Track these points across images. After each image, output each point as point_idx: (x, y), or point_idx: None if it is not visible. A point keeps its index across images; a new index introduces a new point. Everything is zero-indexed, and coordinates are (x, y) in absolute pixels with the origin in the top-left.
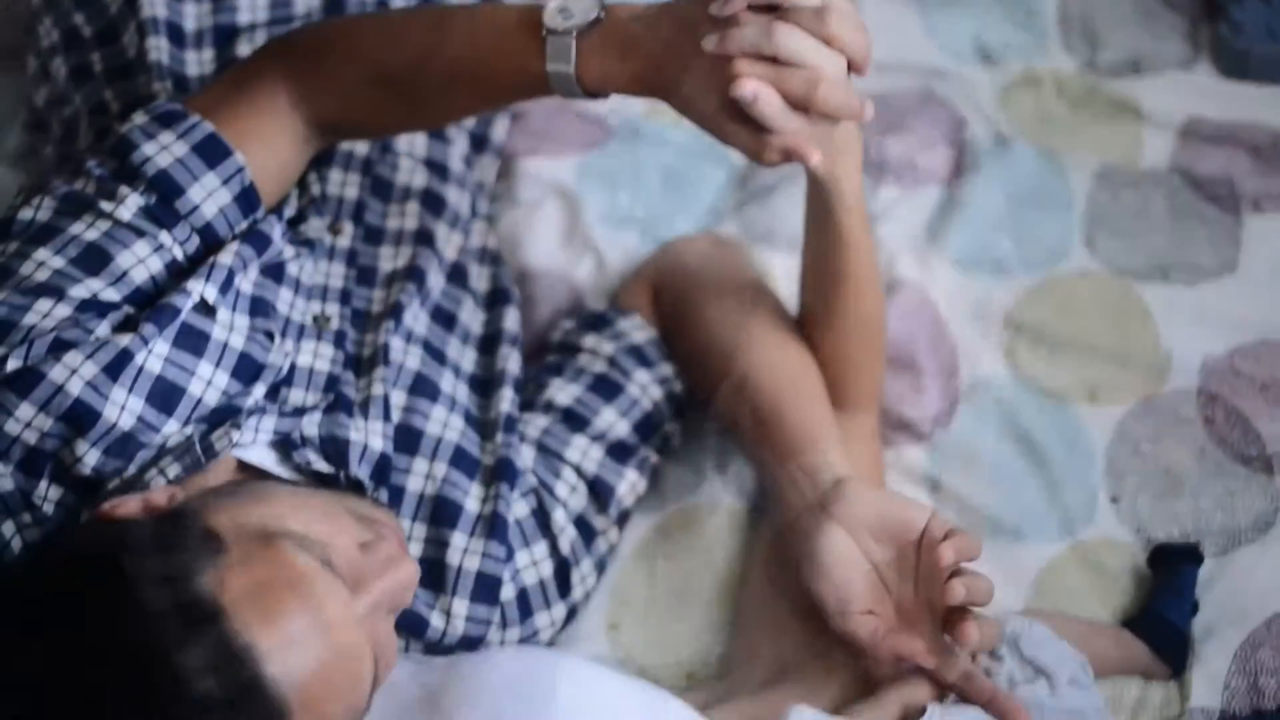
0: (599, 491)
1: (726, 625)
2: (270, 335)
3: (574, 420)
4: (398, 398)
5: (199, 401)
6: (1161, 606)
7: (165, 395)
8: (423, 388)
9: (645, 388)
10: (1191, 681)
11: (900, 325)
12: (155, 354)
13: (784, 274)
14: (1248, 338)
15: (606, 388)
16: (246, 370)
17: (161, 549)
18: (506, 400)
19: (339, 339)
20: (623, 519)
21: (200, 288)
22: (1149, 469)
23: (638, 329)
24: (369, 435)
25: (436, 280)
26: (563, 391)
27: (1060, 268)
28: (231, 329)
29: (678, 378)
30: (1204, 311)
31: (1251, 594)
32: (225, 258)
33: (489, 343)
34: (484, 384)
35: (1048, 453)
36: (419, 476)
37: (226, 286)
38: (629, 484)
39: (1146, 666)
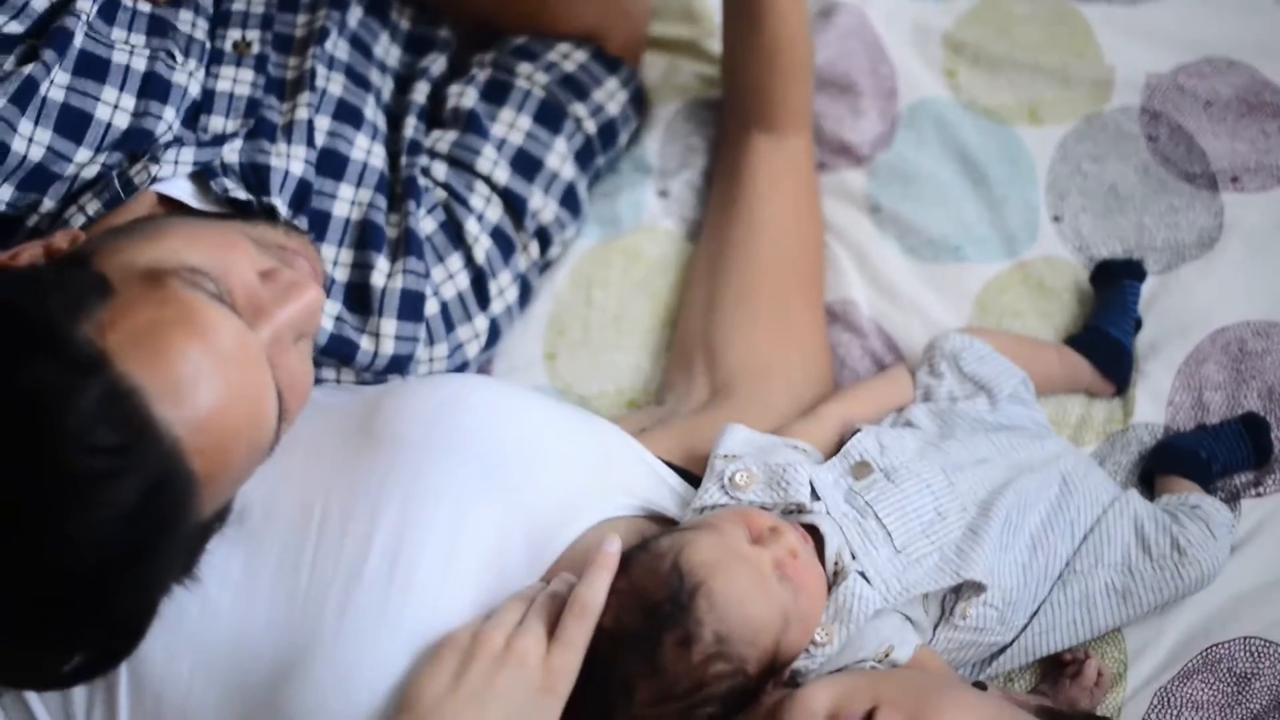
0: (513, 204)
1: (665, 352)
2: (172, 55)
3: (477, 127)
4: (322, 123)
5: (108, 126)
6: (1104, 323)
7: (73, 123)
8: (347, 114)
9: (581, 121)
10: (1135, 398)
11: (838, 48)
12: (58, 84)
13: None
14: (1192, 55)
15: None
16: (153, 91)
17: (52, 295)
18: (410, 128)
19: (260, 63)
20: (542, 236)
21: (89, 7)
22: (1091, 187)
23: (567, 57)
24: (290, 161)
25: (356, 10)
26: (466, 97)
27: None
28: (131, 51)
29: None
30: (1148, 29)
31: (1195, 310)
32: None
33: (407, 82)
34: (395, 116)
35: (989, 173)
36: (345, 202)
37: (114, 5)
38: (540, 199)
39: (1090, 383)
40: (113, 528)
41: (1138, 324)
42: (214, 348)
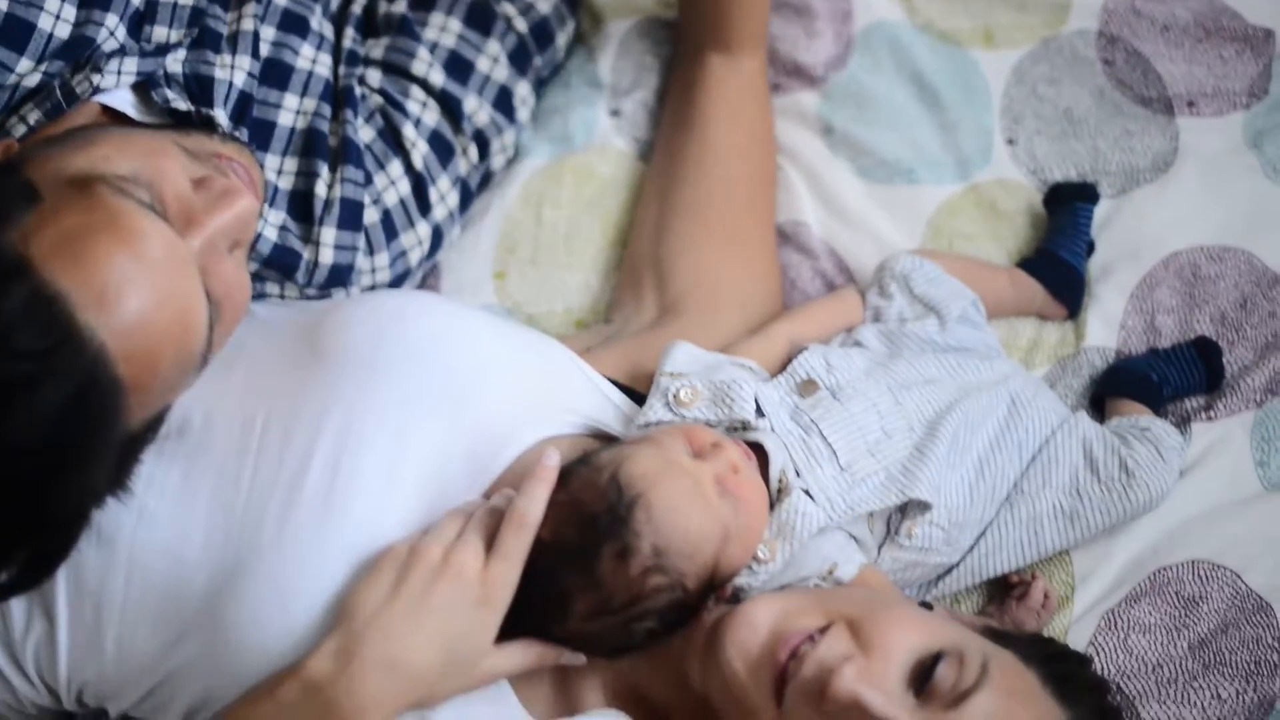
0: (450, 106)
1: (615, 272)
2: None
3: (409, 31)
4: (267, 33)
5: (50, 36)
6: (1057, 246)
7: (14, 32)
8: (292, 23)
9: (512, 20)
10: (1087, 321)
11: None
12: None
13: None
14: None
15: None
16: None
17: None
18: (349, 39)
19: None
20: (480, 140)
21: None
22: (1046, 111)
23: None
24: (234, 72)
25: None
26: (397, 3)
27: None
28: None
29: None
30: None
31: (1148, 234)
32: None
33: None
34: (340, 27)
35: (943, 96)
36: (289, 112)
37: None
38: (475, 102)
39: (1042, 306)
40: (38, 432)
41: (1090, 247)
42: (141, 254)
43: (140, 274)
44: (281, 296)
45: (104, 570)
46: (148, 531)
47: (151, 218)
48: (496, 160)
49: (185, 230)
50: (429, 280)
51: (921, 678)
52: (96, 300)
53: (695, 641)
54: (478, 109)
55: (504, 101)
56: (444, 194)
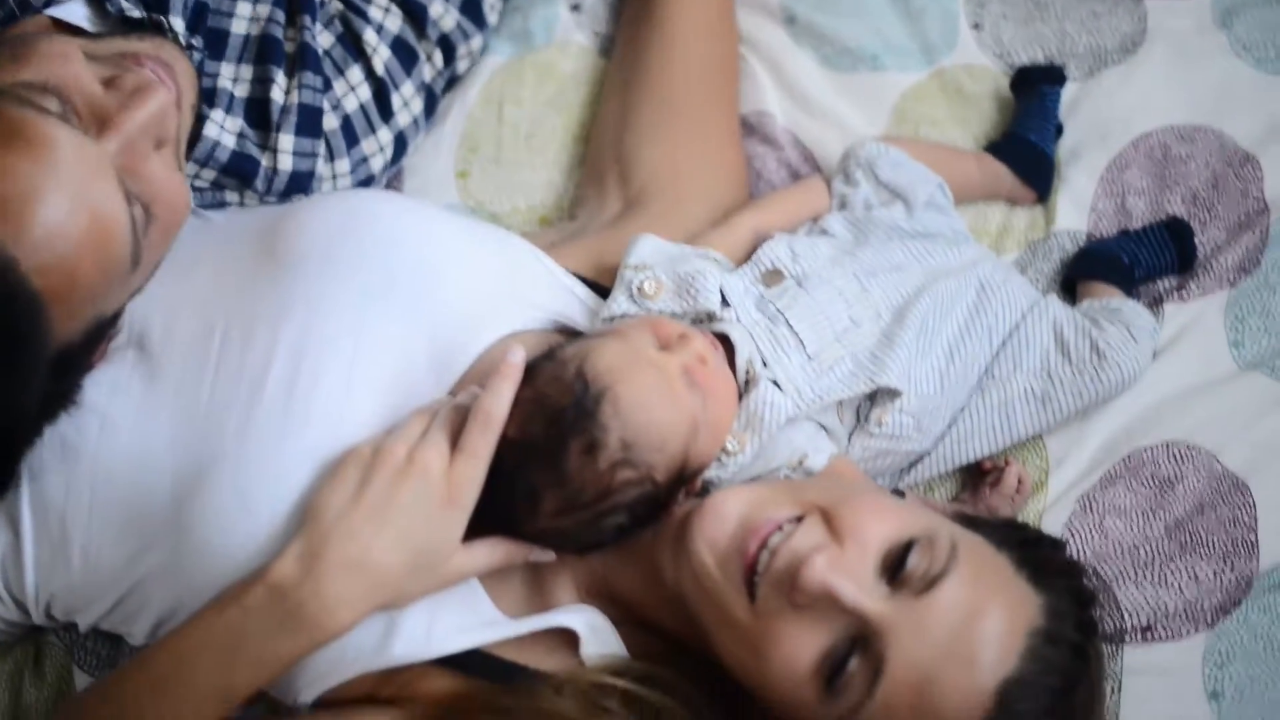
0: (413, 12)
1: (579, 169)
2: None
3: None
4: None
5: None
6: (1025, 130)
7: None
8: None
9: None
10: (1057, 205)
11: None
12: None
13: None
14: None
15: None
16: None
17: None
18: None
19: None
20: (445, 46)
21: None
22: None
23: None
24: None
25: None
26: None
27: None
28: None
29: None
30: None
31: (1117, 115)
32: None
33: None
34: None
35: None
36: (242, 19)
37: None
38: (440, 6)
39: (1011, 191)
40: None
41: (1059, 130)
42: (46, 163)
43: (47, 184)
44: (242, 205)
45: (68, 482)
46: (111, 441)
47: (56, 124)
48: (462, 65)
49: (100, 133)
50: (393, 184)
51: (894, 566)
52: (1, 215)
53: (666, 536)
54: (443, 14)
55: (470, 5)
56: (407, 100)
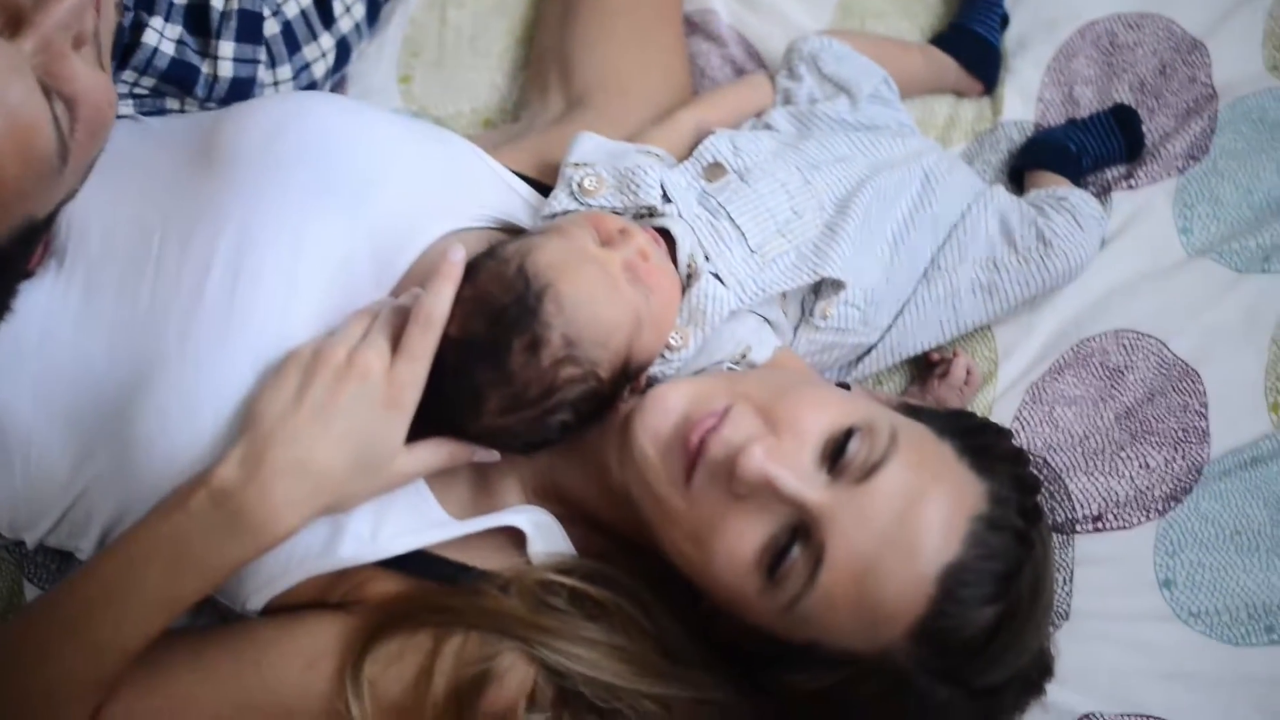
0: None
1: (522, 72)
2: None
3: None
4: None
5: None
6: (970, 21)
7: None
8: None
9: None
10: (1004, 96)
11: None
12: None
13: None
14: None
15: None
16: None
17: None
18: None
19: None
20: None
21: None
22: None
23: None
24: None
25: None
26: None
27: None
28: None
29: None
30: None
31: (1064, 3)
32: None
33: None
34: None
35: None
36: None
37: None
38: None
39: (957, 82)
40: None
41: (1004, 21)
42: None
43: None
44: (183, 112)
45: (8, 396)
46: (51, 350)
47: None
48: None
49: (16, 32)
50: (337, 90)
51: (833, 455)
52: None
53: (611, 433)
54: None
55: None
56: (350, 5)
